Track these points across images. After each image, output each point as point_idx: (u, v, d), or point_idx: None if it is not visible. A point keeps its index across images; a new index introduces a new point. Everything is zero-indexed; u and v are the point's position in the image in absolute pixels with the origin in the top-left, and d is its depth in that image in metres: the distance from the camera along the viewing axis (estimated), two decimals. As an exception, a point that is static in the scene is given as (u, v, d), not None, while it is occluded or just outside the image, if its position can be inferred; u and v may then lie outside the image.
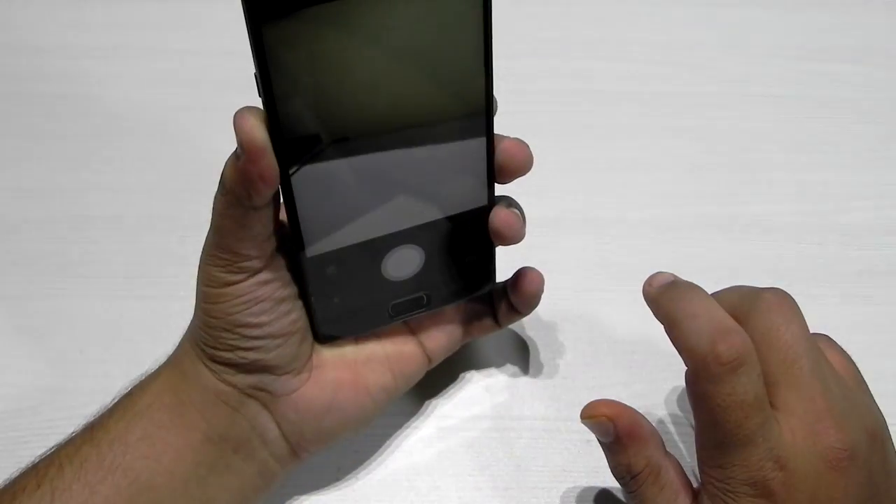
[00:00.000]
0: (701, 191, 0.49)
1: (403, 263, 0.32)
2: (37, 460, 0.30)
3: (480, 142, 0.30)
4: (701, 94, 0.54)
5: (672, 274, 0.33)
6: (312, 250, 0.30)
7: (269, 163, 0.27)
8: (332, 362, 0.33)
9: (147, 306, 0.43)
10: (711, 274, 0.44)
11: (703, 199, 0.48)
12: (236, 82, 0.56)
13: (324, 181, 0.28)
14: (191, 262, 0.45)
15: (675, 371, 0.40)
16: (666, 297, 0.31)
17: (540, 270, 0.35)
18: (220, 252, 0.29)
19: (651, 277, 0.33)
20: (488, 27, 0.27)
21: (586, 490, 0.37)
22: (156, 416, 0.30)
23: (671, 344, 0.29)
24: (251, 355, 0.30)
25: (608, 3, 0.60)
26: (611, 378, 0.40)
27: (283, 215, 0.30)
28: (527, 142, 0.31)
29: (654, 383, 0.40)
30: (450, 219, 0.31)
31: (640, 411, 0.39)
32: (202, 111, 0.53)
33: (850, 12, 0.59)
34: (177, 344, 0.33)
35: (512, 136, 0.31)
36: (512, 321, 0.37)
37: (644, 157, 0.50)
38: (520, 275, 0.35)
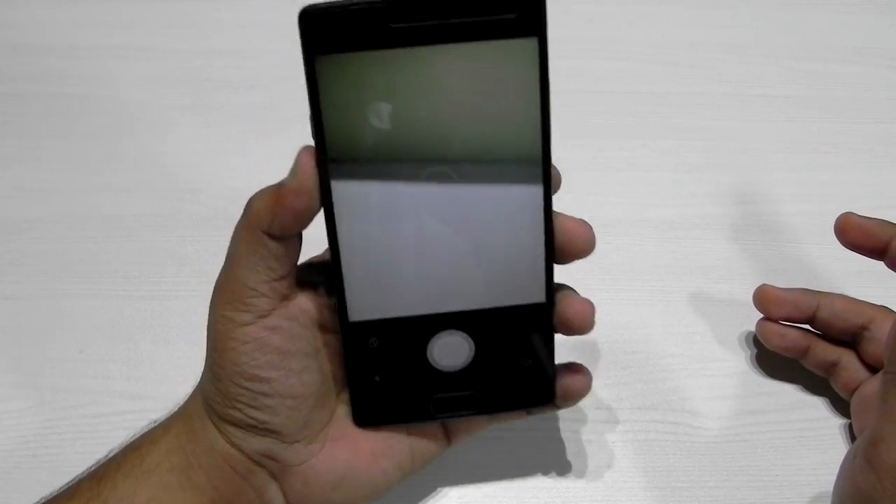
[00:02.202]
0: (701, 191, 0.49)
1: (451, 352, 0.30)
2: None
3: (537, 224, 0.28)
4: (701, 94, 0.54)
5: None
6: (355, 314, 0.29)
7: (309, 204, 0.27)
8: (349, 436, 0.31)
9: (147, 306, 0.43)
10: (711, 274, 0.45)
11: (703, 199, 0.48)
12: (236, 82, 0.56)
13: (371, 239, 0.28)
14: (191, 262, 0.45)
15: (675, 371, 0.41)
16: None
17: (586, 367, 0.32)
18: (228, 283, 0.28)
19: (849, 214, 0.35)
20: (546, 101, 0.27)
21: (586, 490, 0.37)
22: (164, 477, 0.29)
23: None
24: (259, 416, 0.29)
25: (608, 3, 0.59)
26: (611, 378, 0.40)
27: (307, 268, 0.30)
28: (590, 223, 0.29)
29: (653, 383, 0.40)
30: (503, 311, 0.29)
31: (640, 411, 0.39)
32: (202, 111, 0.53)
33: (849, 12, 0.59)
34: (187, 385, 0.32)
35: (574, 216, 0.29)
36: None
37: (644, 157, 0.50)
38: (567, 369, 0.32)
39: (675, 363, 0.41)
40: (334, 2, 0.26)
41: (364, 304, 0.29)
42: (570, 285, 0.31)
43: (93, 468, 0.31)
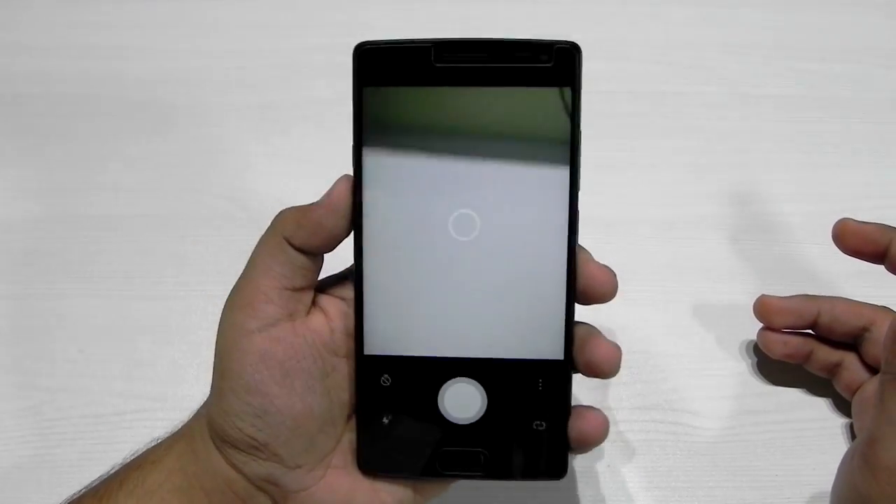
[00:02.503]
0: (701, 191, 0.49)
1: (463, 402, 0.29)
2: None
3: (559, 279, 0.28)
4: (701, 94, 0.54)
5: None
6: (370, 347, 0.29)
7: (335, 223, 0.28)
8: (351, 465, 0.30)
9: (147, 306, 0.43)
10: (711, 274, 0.45)
11: (703, 199, 0.48)
12: (236, 82, 0.56)
13: (396, 273, 0.28)
14: (191, 262, 0.45)
15: (675, 371, 0.41)
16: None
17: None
18: (242, 286, 0.29)
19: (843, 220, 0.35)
20: (576, 152, 0.28)
21: (587, 490, 0.37)
22: (166, 498, 0.29)
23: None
24: (259, 436, 0.28)
25: (608, 3, 0.59)
26: (610, 378, 0.40)
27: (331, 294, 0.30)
28: (613, 269, 0.29)
29: (653, 383, 0.40)
30: (519, 364, 0.29)
31: (640, 411, 0.39)
32: (202, 111, 0.53)
33: (849, 12, 0.59)
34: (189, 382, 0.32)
35: (598, 261, 0.29)
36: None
37: (644, 157, 0.50)
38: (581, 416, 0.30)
39: (675, 363, 0.41)
40: (386, 39, 0.27)
41: (380, 338, 0.29)
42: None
43: (94, 484, 0.30)
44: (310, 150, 0.49)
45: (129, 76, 0.56)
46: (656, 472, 0.37)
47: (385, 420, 0.30)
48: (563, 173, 0.28)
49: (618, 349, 0.28)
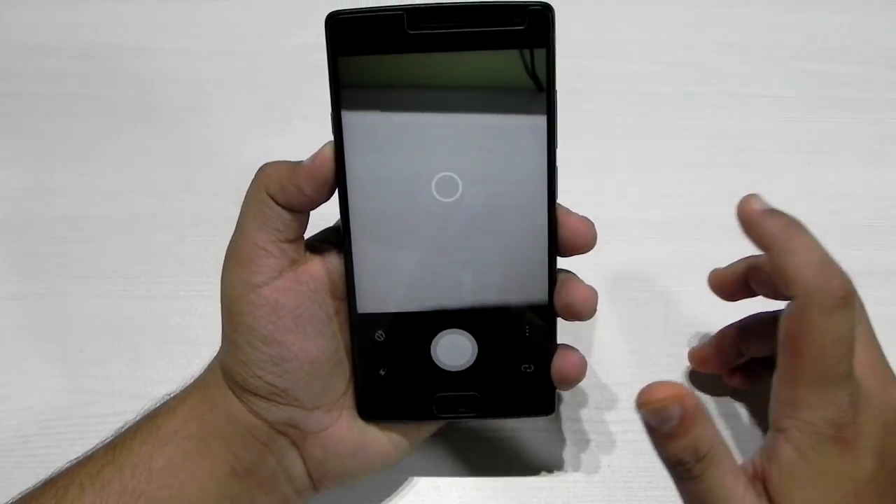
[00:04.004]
0: (701, 191, 0.49)
1: (455, 351, 0.31)
2: (55, 475, 0.30)
3: (541, 224, 0.29)
4: (700, 94, 0.54)
5: (763, 197, 0.33)
6: (363, 306, 0.30)
7: (317, 189, 0.29)
8: None
9: (147, 306, 0.43)
10: (711, 274, 0.45)
11: (703, 199, 0.48)
12: (236, 82, 0.56)
13: (382, 233, 0.29)
14: (191, 262, 0.45)
15: (675, 371, 0.41)
16: (775, 223, 0.31)
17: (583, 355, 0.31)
18: (239, 244, 0.29)
19: (748, 198, 0.33)
20: (552, 104, 0.28)
21: (586, 490, 0.37)
22: (182, 445, 0.29)
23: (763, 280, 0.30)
24: (279, 382, 0.29)
25: (608, 3, 0.59)
26: (611, 378, 0.40)
27: (330, 260, 0.31)
28: (593, 221, 0.30)
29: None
30: (506, 310, 0.30)
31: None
32: (202, 111, 0.53)
33: (849, 12, 0.59)
34: (197, 359, 0.32)
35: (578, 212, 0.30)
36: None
37: (644, 157, 0.50)
38: (559, 355, 0.31)
39: (675, 363, 0.41)
40: (358, 8, 0.27)
41: (372, 297, 0.30)
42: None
43: (108, 439, 0.31)
44: (310, 150, 0.49)
45: (128, 76, 0.56)
46: (656, 472, 0.37)
47: (381, 372, 0.31)
48: (541, 131, 0.28)
49: (593, 291, 0.30)
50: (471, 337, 0.31)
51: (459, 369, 0.31)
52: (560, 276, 0.30)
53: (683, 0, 0.60)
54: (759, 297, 0.35)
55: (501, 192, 0.29)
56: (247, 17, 0.58)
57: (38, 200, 0.48)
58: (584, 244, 0.30)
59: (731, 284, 0.36)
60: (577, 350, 0.31)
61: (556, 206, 0.30)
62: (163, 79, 0.55)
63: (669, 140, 0.51)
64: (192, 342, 0.42)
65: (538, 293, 0.30)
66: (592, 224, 0.30)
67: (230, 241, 0.30)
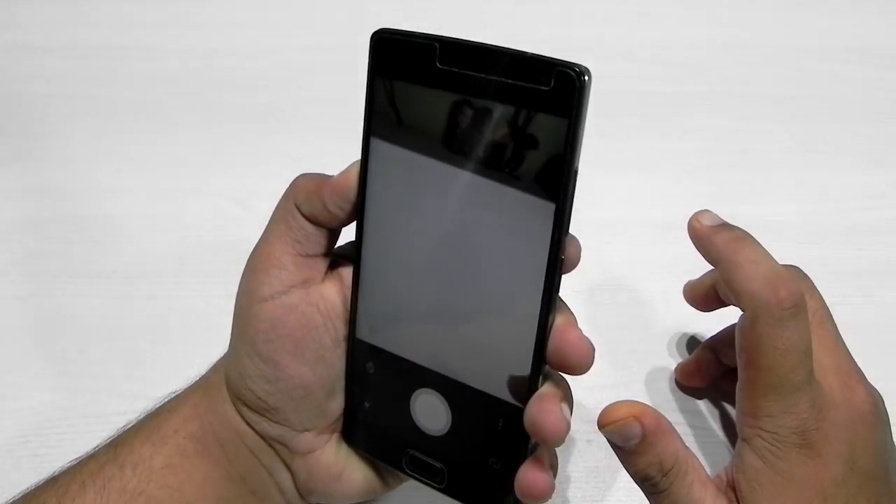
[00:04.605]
0: (701, 191, 0.49)
1: (431, 413, 0.29)
2: (57, 473, 0.30)
3: (530, 329, 0.25)
4: (701, 94, 0.54)
5: (714, 213, 0.33)
6: (360, 332, 0.29)
7: (340, 205, 0.28)
8: None
9: (147, 306, 0.43)
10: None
11: (703, 199, 0.48)
12: (237, 82, 0.56)
13: (390, 268, 0.28)
14: (191, 262, 0.45)
15: (674, 371, 0.41)
16: (722, 239, 0.31)
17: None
18: (258, 250, 0.29)
19: (698, 214, 0.32)
20: (567, 180, 0.24)
21: (586, 490, 0.37)
22: (181, 444, 0.29)
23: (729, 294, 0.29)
24: (270, 400, 0.29)
25: (608, 3, 0.60)
26: (611, 378, 0.40)
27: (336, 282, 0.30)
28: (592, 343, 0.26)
29: (653, 383, 0.40)
30: (483, 396, 0.27)
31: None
32: (203, 111, 0.53)
33: (849, 12, 0.59)
34: (196, 364, 0.32)
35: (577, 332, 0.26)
36: None
37: (644, 157, 0.50)
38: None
39: (675, 363, 0.41)
40: (403, 30, 0.26)
41: (369, 326, 0.29)
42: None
43: (112, 437, 0.31)
44: (310, 150, 0.49)
45: (128, 76, 0.56)
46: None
47: (366, 404, 0.30)
48: (548, 215, 0.24)
49: (590, 346, 0.26)
50: (447, 406, 0.28)
51: (433, 433, 0.29)
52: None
53: (684, 0, 0.60)
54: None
55: (502, 269, 0.26)
56: (247, 18, 0.58)
57: (38, 200, 0.48)
58: (576, 366, 0.26)
59: (701, 296, 0.37)
60: (549, 471, 0.27)
61: (556, 312, 0.26)
62: (163, 79, 0.55)
63: (669, 140, 0.51)
64: (192, 342, 0.42)
65: (517, 395, 0.26)
66: (593, 348, 0.26)
67: (255, 245, 0.30)
